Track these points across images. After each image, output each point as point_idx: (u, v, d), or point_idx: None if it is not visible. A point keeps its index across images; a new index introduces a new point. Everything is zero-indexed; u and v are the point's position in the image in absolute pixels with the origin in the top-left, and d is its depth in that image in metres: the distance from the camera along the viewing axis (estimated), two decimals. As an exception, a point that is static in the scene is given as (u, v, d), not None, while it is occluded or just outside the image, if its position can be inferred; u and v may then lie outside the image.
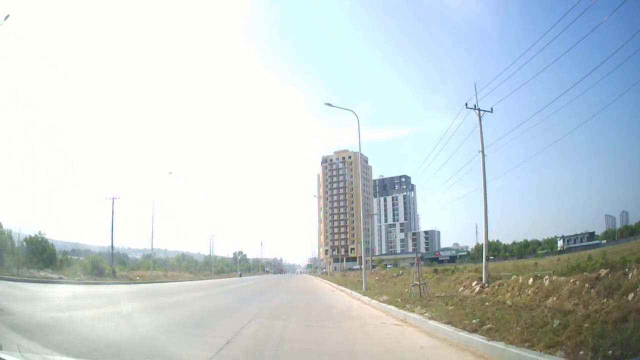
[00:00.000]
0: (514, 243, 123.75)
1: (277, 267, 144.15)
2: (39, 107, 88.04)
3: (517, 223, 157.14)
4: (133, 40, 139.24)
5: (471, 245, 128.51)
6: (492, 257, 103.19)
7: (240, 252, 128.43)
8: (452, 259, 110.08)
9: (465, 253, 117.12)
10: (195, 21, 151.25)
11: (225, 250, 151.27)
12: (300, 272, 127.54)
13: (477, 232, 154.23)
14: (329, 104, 21.99)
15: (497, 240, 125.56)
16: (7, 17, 11.63)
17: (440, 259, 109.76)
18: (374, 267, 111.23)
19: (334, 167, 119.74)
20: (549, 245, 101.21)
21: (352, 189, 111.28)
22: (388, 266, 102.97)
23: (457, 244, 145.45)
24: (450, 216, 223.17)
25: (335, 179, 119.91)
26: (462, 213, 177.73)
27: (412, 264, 14.52)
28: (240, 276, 62.77)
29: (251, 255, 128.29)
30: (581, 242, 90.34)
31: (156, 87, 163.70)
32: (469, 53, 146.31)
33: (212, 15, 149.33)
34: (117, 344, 5.70)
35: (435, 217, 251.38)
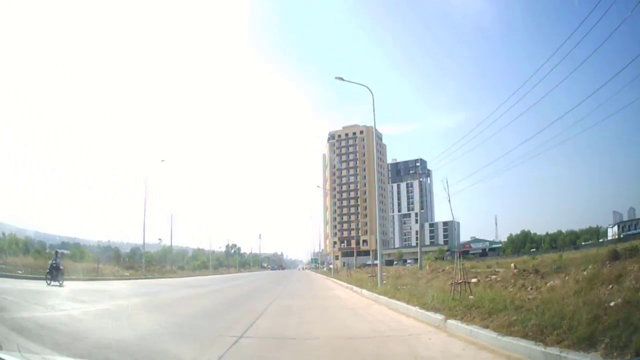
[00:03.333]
0: (547, 234, 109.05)
1: (276, 262, 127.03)
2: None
3: (520, 217, 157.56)
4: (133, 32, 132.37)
5: (489, 238, 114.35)
6: (533, 250, 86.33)
7: (234, 245, 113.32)
8: (484, 253, 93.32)
9: (499, 245, 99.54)
10: (197, 21, 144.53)
11: (223, 244, 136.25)
12: (303, 268, 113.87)
13: (496, 224, 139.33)
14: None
15: (529, 231, 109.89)
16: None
17: (471, 252, 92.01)
18: (389, 262, 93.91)
19: (343, 144, 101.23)
20: (590, 235, 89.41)
21: (364, 169, 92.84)
22: (409, 262, 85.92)
23: (474, 237, 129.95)
24: (466, 208, 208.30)
25: (344, 157, 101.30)
26: (478, 204, 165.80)
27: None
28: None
29: (252, 249, 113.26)
30: (635, 228, 77.14)
31: (152, 77, 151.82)
32: (471, 52, 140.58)
33: (214, 15, 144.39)
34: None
35: (447, 207, 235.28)
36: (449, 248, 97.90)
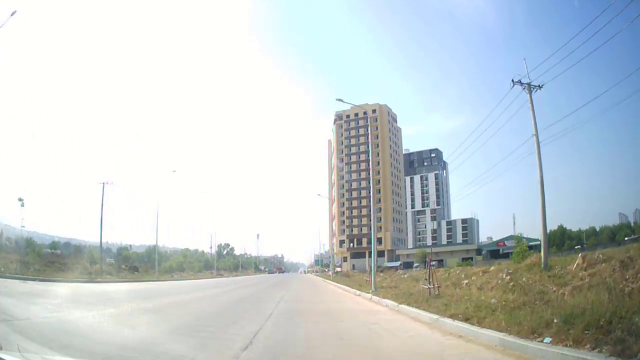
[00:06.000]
0: (580, 230, 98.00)
1: (274, 265, 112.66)
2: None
3: (535, 214, 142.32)
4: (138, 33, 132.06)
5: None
6: (577, 247, 73.13)
7: (227, 245, 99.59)
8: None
9: (537, 242, 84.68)
10: (197, 18, 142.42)
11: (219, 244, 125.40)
12: (305, 272, 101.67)
13: (514, 223, 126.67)
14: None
15: (562, 225, 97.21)
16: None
17: (504, 250, 77.42)
18: (408, 264, 79.25)
19: (352, 125, 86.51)
20: (627, 230, 78.20)
21: (377, 155, 78.20)
22: (432, 264, 71.59)
23: (490, 238, 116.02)
24: (481, 205, 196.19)
25: (354, 140, 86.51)
26: (494, 203, 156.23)
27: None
28: None
29: (250, 251, 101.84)
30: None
31: (152, 71, 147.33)
32: (473, 54, 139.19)
33: (216, 15, 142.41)
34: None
35: (464, 203, 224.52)
36: (479, 247, 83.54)
